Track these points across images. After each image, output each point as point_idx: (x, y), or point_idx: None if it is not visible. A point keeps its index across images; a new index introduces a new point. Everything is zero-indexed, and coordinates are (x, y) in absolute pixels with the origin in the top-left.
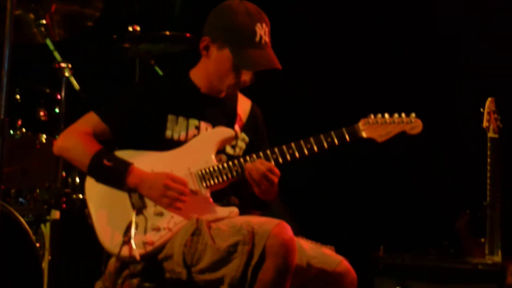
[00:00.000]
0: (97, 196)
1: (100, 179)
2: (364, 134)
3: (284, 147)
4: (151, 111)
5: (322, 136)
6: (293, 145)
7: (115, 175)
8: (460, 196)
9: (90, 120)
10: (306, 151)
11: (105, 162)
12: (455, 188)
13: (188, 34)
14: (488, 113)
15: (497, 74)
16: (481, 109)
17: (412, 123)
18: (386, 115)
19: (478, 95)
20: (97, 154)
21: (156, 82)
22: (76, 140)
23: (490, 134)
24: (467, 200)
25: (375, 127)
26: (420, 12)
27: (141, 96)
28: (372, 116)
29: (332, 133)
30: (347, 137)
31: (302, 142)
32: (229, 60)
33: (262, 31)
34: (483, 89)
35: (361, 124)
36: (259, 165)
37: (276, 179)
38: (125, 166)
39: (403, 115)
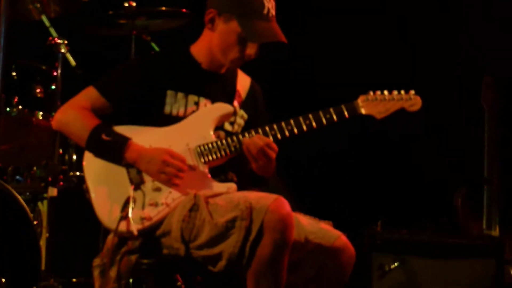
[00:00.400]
0: (95, 171)
1: (98, 153)
2: (363, 111)
3: (283, 123)
4: (150, 86)
5: (321, 113)
6: (291, 121)
7: (113, 150)
8: (458, 171)
9: (89, 95)
10: (304, 127)
11: (104, 136)
12: (453, 163)
13: (184, 10)
14: (486, 89)
15: (495, 50)
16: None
17: (411, 100)
18: (385, 92)
19: (475, 71)
20: (96, 129)
21: (156, 57)
22: (75, 115)
23: (487, 110)
24: (465, 176)
25: (374, 103)
26: None
27: (140, 70)
28: (371, 92)
29: (331, 110)
30: (346, 113)
31: (300, 119)
32: (235, 32)
33: (270, 4)
34: (480, 65)
35: (360, 101)
36: (257, 140)
37: (274, 155)
38: (124, 140)
39: (402, 92)
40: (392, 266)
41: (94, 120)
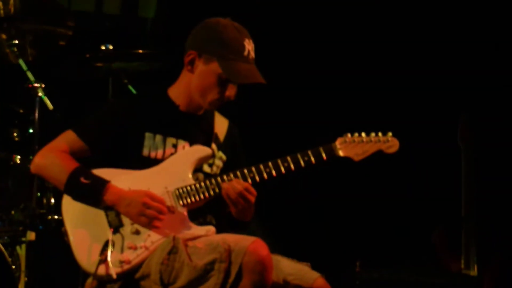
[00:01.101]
0: (73, 214)
1: (77, 197)
2: (341, 153)
3: (261, 166)
4: (128, 128)
5: (299, 155)
6: (270, 164)
7: (92, 193)
8: (436, 210)
9: (67, 138)
10: (283, 170)
11: (82, 179)
12: (431, 202)
13: (160, 52)
14: (462, 127)
15: (470, 88)
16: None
17: (389, 142)
18: (363, 134)
19: (451, 110)
20: (74, 172)
21: (134, 99)
22: (53, 158)
23: (464, 148)
24: (443, 214)
25: (352, 146)
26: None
27: (118, 113)
28: (349, 135)
29: (309, 152)
30: (324, 155)
31: (279, 161)
32: (215, 74)
33: (250, 46)
34: (456, 103)
35: (338, 143)
36: (236, 185)
37: (253, 199)
38: (102, 183)
39: (379, 134)
40: None
41: (72, 164)
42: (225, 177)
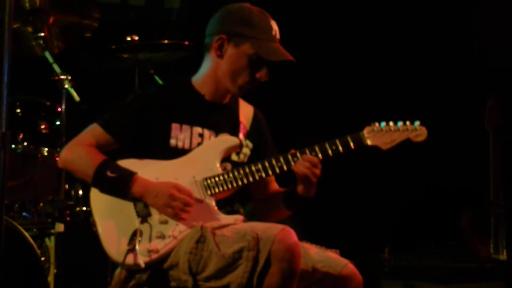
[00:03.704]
0: (101, 204)
1: (104, 190)
2: (369, 142)
3: (289, 156)
4: (155, 120)
5: (327, 144)
6: (297, 153)
7: (119, 186)
8: (465, 195)
9: (93, 132)
10: (293, 163)
11: (109, 173)
12: (460, 188)
13: (186, 42)
14: (489, 112)
15: (498, 72)
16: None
17: (417, 131)
18: (391, 123)
19: (480, 93)
20: (101, 166)
21: (158, 90)
22: (80, 152)
23: (492, 132)
24: (472, 200)
25: (380, 135)
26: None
27: (143, 104)
28: (376, 124)
29: (337, 141)
30: (351, 144)
31: (307, 150)
32: (246, 55)
33: (276, 27)
34: (484, 88)
35: (365, 132)
36: (309, 161)
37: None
38: (129, 175)
39: (407, 123)
40: None
41: (99, 157)
42: (253, 166)
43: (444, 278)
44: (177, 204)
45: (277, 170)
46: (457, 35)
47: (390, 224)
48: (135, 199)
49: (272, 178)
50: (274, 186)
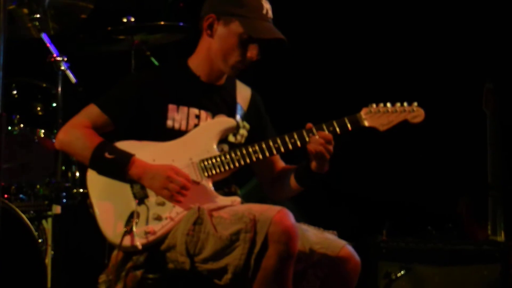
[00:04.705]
0: (98, 186)
1: (102, 172)
2: (366, 123)
3: (286, 137)
4: (151, 101)
5: (324, 125)
6: (295, 134)
7: (117, 167)
8: (462, 178)
9: (90, 113)
10: (307, 140)
11: (107, 155)
12: (457, 170)
13: (181, 23)
14: (487, 95)
15: (495, 54)
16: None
17: (414, 112)
18: (388, 104)
19: (476, 76)
20: (98, 147)
21: (155, 71)
22: (77, 134)
23: (489, 116)
24: (469, 182)
25: (377, 116)
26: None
27: (140, 85)
28: (373, 105)
29: (334, 122)
30: (349, 126)
31: (304, 131)
32: (235, 34)
33: (267, 5)
34: (481, 70)
35: (363, 113)
36: (323, 138)
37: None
38: (127, 157)
39: (405, 104)
40: (399, 274)
41: (96, 139)
42: (250, 148)
43: (442, 260)
44: (173, 187)
45: (290, 147)
46: (454, 19)
47: (388, 206)
48: (132, 181)
49: (277, 157)
50: (281, 164)
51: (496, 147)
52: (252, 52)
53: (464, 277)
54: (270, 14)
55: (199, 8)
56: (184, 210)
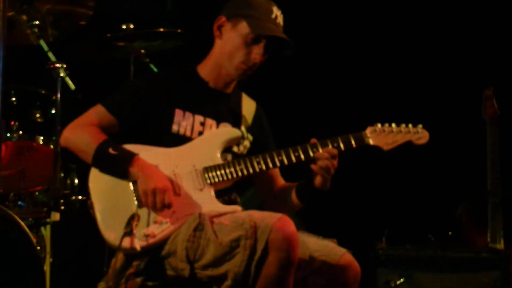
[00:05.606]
0: (100, 187)
1: (104, 168)
2: (371, 141)
3: (290, 150)
4: (159, 104)
5: (328, 141)
6: (299, 148)
7: (120, 164)
8: (461, 185)
9: (97, 112)
10: (311, 154)
11: (110, 151)
12: (456, 177)
13: (179, 30)
14: (486, 102)
15: (494, 62)
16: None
17: (419, 134)
18: (393, 125)
19: (476, 84)
20: (102, 144)
21: (164, 74)
22: (81, 131)
23: (488, 123)
24: (468, 189)
25: (383, 135)
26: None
27: (148, 87)
28: (379, 124)
29: (339, 139)
30: (353, 143)
31: (308, 146)
32: (242, 35)
33: (278, 12)
34: (481, 78)
35: (368, 132)
36: (329, 153)
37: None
38: (131, 155)
39: (410, 125)
40: (398, 282)
41: (101, 136)
42: (253, 159)
43: (441, 268)
44: (151, 200)
45: (294, 160)
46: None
47: (387, 214)
48: (134, 182)
49: (277, 173)
50: (281, 180)
51: (495, 154)
52: (256, 53)
53: (463, 285)
54: (279, 20)
55: (198, 14)
56: (186, 215)
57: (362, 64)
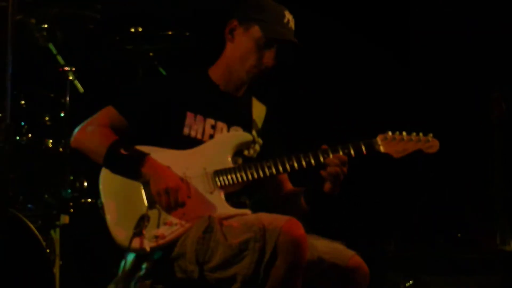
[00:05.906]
0: (111, 188)
1: (115, 169)
2: (381, 149)
3: (301, 155)
4: (170, 107)
5: (339, 147)
6: (310, 153)
7: (132, 165)
8: (470, 187)
9: (108, 113)
10: (322, 159)
11: (122, 151)
12: (464, 179)
13: (187, 33)
14: (494, 104)
15: (502, 64)
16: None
17: (429, 142)
18: (404, 133)
19: (484, 86)
20: (114, 144)
21: (175, 76)
22: (92, 132)
23: (496, 125)
24: (477, 191)
25: (393, 143)
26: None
27: (160, 90)
28: (389, 132)
29: (350, 145)
30: (364, 150)
31: (319, 152)
32: (254, 39)
33: (290, 17)
34: (488, 80)
35: (379, 139)
36: (339, 159)
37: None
38: (142, 155)
39: (420, 134)
40: (407, 284)
41: (112, 136)
42: (264, 163)
43: (450, 270)
44: (165, 199)
45: (304, 165)
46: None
47: (396, 216)
48: (145, 182)
49: (286, 177)
50: (289, 185)
51: (503, 156)
52: (268, 58)
53: (472, 287)
54: (291, 24)
55: (207, 17)
56: (195, 217)
57: (371, 72)
